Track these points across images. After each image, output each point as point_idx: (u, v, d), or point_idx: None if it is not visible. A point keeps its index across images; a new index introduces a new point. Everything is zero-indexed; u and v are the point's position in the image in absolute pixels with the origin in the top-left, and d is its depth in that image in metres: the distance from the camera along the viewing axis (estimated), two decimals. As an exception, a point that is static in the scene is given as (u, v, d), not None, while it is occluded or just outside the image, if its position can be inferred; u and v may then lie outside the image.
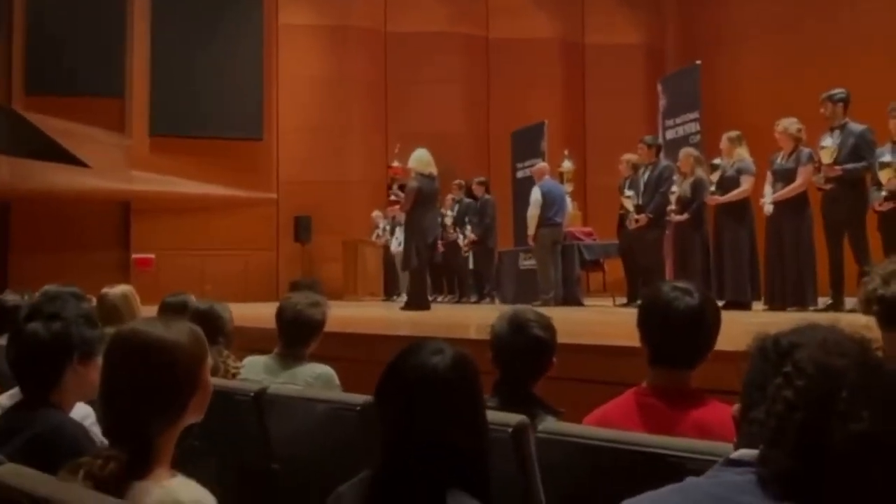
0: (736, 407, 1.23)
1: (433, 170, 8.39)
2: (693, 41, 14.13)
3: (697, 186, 7.66)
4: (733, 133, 7.46)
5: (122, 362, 1.67)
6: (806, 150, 6.75)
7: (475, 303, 10.77)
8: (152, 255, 13.45)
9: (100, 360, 1.91)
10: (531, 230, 9.29)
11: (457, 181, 11.60)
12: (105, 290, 4.30)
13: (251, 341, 4.56)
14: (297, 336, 3.40)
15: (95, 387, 1.81)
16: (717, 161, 7.46)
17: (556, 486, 1.97)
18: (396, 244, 11.54)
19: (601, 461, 1.88)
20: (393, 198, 9.16)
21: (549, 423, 2.15)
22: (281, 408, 2.73)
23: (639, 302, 2.55)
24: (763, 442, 1.09)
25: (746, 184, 7.21)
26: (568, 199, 9.94)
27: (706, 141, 9.13)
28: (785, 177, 6.81)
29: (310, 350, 3.44)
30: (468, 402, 1.61)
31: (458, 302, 11.16)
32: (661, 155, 8.50)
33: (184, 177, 13.48)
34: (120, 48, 13.65)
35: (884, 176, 6.23)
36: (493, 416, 1.79)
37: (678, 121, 9.89)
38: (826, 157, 6.42)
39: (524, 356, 2.54)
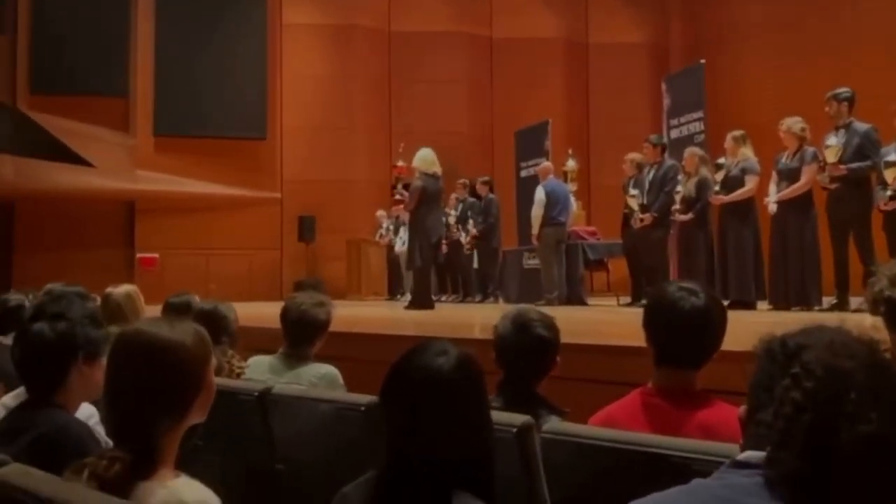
0: (742, 408, 1.23)
1: (437, 169, 8.40)
2: (697, 40, 14.13)
3: (702, 186, 7.64)
4: (738, 132, 7.45)
5: (127, 363, 1.67)
6: (810, 150, 6.73)
7: (479, 302, 10.78)
8: (156, 255, 13.48)
9: (104, 361, 1.92)
10: (535, 229, 9.28)
11: (462, 180, 11.61)
12: (109, 289, 4.30)
13: (256, 341, 4.56)
14: (301, 336, 3.40)
15: (100, 387, 1.81)
16: (721, 160, 7.45)
17: (560, 486, 1.97)
18: (400, 244, 11.55)
19: (606, 461, 1.88)
20: (397, 197, 9.16)
21: (553, 424, 2.14)
22: (285, 408, 2.73)
23: (644, 302, 2.54)
24: (770, 444, 1.09)
25: (751, 183, 7.20)
26: (572, 199, 9.94)
27: (710, 140, 9.12)
28: (789, 176, 6.80)
29: (314, 350, 3.44)
30: (473, 404, 1.60)
31: (461, 301, 11.17)
32: (666, 154, 8.49)
33: (188, 176, 13.50)
34: (124, 48, 13.68)
35: (889, 175, 6.22)
36: (497, 416, 1.78)
37: (682, 120, 9.88)
38: (831, 157, 6.41)
39: (528, 356, 2.53)
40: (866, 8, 11.50)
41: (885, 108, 6.33)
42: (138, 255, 13.55)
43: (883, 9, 11.28)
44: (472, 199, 11.32)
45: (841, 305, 6.32)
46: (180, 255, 13.40)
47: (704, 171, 7.72)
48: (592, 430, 2.07)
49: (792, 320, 1.23)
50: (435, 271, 10.01)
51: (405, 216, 9.45)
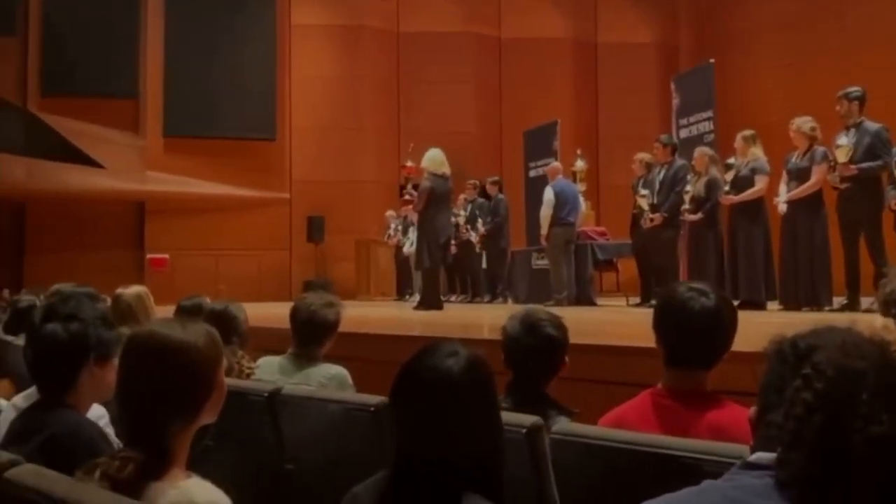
0: (753, 409, 1.23)
1: (446, 169, 8.39)
2: (706, 40, 14.10)
3: (712, 186, 7.62)
4: (748, 132, 7.42)
5: (139, 364, 1.68)
6: (820, 149, 6.70)
7: (488, 303, 10.77)
8: (166, 256, 13.53)
9: (116, 362, 1.92)
10: (544, 230, 9.27)
11: (471, 181, 11.60)
12: (119, 290, 4.31)
13: (265, 342, 4.57)
14: (311, 336, 3.40)
15: (111, 388, 1.82)
16: (731, 160, 7.43)
17: (570, 487, 1.97)
18: (409, 245, 11.55)
19: (616, 462, 1.87)
20: (406, 197, 9.16)
21: (563, 424, 2.14)
22: (295, 408, 2.73)
23: (653, 302, 2.54)
24: (781, 445, 1.09)
25: (761, 183, 7.17)
26: (581, 199, 9.92)
27: (720, 140, 9.10)
28: (799, 176, 6.77)
29: (324, 350, 3.44)
30: (483, 405, 1.60)
31: (470, 302, 11.16)
32: (677, 154, 8.47)
33: (197, 177, 13.55)
34: (134, 50, 13.74)
35: (900, 175, 6.19)
36: (507, 416, 1.78)
37: (692, 119, 9.85)
38: (841, 156, 6.37)
39: (537, 356, 2.53)
40: (875, 8, 11.46)
41: (895, 108, 6.30)
42: (148, 256, 13.61)
43: (892, 9, 11.24)
44: (481, 200, 11.32)
45: (851, 306, 6.29)
46: (190, 256, 13.45)
47: (714, 171, 7.70)
48: (602, 430, 2.07)
49: (802, 321, 1.23)
50: (444, 271, 10.00)
51: (414, 216, 9.45)
